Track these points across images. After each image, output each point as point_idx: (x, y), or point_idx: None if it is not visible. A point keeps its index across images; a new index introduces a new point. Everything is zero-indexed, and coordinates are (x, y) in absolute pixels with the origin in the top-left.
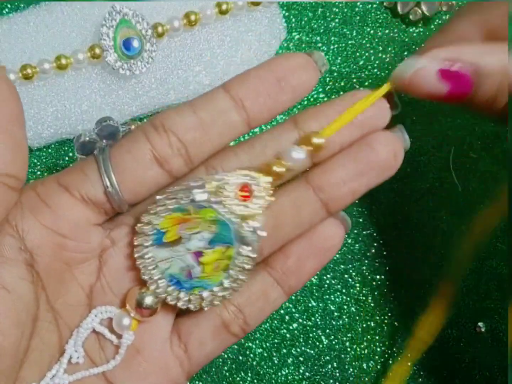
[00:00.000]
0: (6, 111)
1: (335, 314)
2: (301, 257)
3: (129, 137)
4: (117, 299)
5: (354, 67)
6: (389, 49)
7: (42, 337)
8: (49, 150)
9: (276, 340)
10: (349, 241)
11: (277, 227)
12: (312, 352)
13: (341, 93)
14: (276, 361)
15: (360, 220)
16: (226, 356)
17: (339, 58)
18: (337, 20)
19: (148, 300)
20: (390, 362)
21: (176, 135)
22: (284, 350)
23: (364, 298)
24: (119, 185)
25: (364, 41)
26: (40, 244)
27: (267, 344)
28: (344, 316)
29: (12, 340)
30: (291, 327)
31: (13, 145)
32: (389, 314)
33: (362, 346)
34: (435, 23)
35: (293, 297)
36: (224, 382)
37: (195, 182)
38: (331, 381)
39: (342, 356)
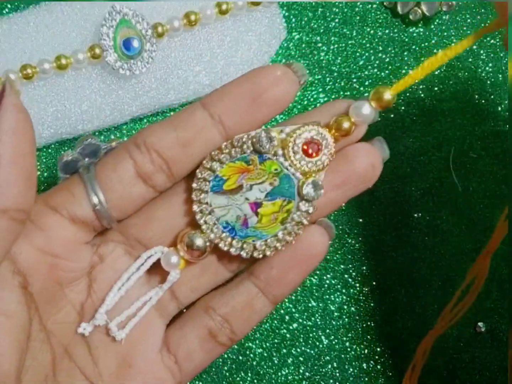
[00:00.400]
0: (20, 143)
1: (335, 314)
2: (285, 266)
3: (113, 155)
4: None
5: (354, 67)
6: (389, 49)
7: (36, 357)
8: (49, 150)
9: (276, 340)
10: (349, 241)
11: None
12: (312, 352)
13: (341, 93)
14: (276, 361)
15: (360, 220)
16: (226, 356)
17: (339, 58)
18: (337, 20)
19: (199, 241)
20: (390, 362)
21: (158, 152)
22: (284, 350)
23: (364, 298)
24: (107, 202)
25: (364, 41)
26: (33, 266)
27: (267, 344)
28: (344, 316)
29: (11, 362)
30: (291, 327)
31: (25, 178)
32: (389, 314)
33: (362, 346)
34: (435, 23)
35: (293, 297)
36: (224, 382)
37: (264, 133)
38: (331, 381)
39: (342, 356)
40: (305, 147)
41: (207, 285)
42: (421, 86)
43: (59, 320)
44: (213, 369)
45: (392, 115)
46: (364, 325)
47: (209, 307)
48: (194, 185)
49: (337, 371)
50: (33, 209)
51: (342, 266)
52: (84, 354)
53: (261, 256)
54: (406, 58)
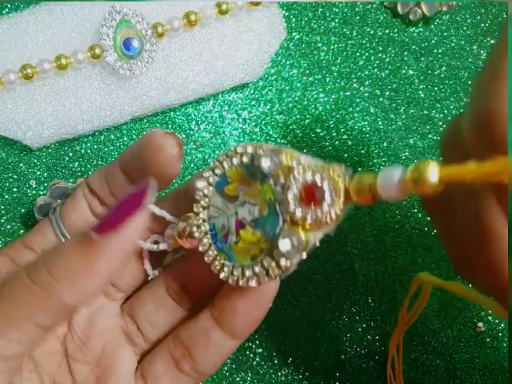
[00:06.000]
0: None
1: (336, 314)
2: (232, 296)
3: (72, 197)
4: (86, 345)
5: (354, 67)
6: (389, 49)
7: None
8: (49, 150)
9: (276, 340)
10: (349, 241)
11: (203, 276)
12: (312, 352)
13: (341, 93)
14: (276, 361)
15: (360, 220)
16: None
17: (339, 58)
18: (337, 20)
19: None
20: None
21: (100, 198)
22: (284, 350)
23: (364, 298)
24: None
25: (364, 41)
26: None
27: (267, 344)
28: (344, 316)
29: None
30: (291, 327)
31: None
32: (389, 314)
33: (362, 346)
34: (435, 23)
35: (293, 297)
36: (224, 382)
37: (270, 153)
38: (331, 381)
39: (342, 356)
40: (306, 189)
41: (166, 321)
42: (421, 86)
43: (45, 350)
44: None
45: (392, 115)
46: (364, 325)
47: (176, 334)
48: (205, 174)
49: (337, 371)
50: (14, 249)
51: (342, 266)
52: (59, 368)
53: (225, 279)
54: (406, 58)
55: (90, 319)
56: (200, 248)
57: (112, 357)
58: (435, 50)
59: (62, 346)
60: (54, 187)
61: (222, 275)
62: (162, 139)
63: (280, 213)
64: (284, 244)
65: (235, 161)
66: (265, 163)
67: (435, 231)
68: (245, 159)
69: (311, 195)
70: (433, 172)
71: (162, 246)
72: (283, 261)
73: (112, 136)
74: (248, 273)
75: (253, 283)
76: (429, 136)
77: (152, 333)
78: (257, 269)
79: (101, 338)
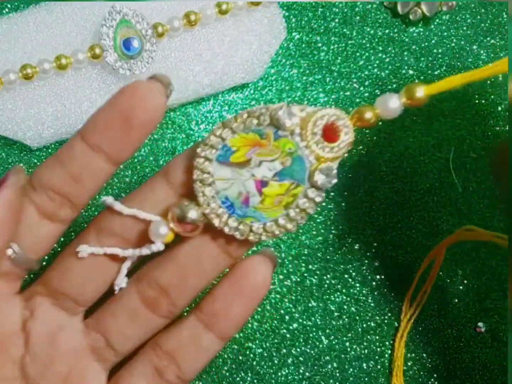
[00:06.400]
0: None
1: (335, 314)
2: (228, 298)
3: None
4: (49, 368)
5: (354, 67)
6: (389, 49)
7: None
8: (49, 150)
9: (276, 340)
10: (349, 241)
11: (183, 279)
12: (312, 352)
13: (341, 93)
14: (276, 361)
15: (360, 220)
16: (226, 356)
17: (339, 58)
18: (337, 20)
19: (193, 214)
20: (391, 362)
21: (54, 190)
22: (284, 350)
23: (364, 298)
24: (21, 249)
25: (364, 41)
26: None
27: (267, 344)
28: (344, 316)
29: None
30: (291, 327)
31: None
32: (389, 314)
33: (362, 346)
34: (435, 23)
35: (293, 297)
36: (224, 382)
37: (285, 108)
38: (331, 381)
39: (342, 356)
40: (324, 130)
41: (140, 333)
42: None
43: (3, 376)
44: (213, 369)
45: None
46: (364, 325)
47: (156, 344)
48: (198, 150)
49: (337, 371)
50: None
51: (342, 266)
52: None
53: (256, 240)
54: (406, 58)
55: (51, 339)
56: (218, 225)
57: (80, 377)
58: (435, 50)
59: (21, 371)
60: None
61: (251, 237)
62: (149, 86)
63: (306, 157)
64: (320, 176)
65: (237, 128)
66: (285, 119)
67: (435, 231)
68: (249, 123)
69: (329, 134)
70: (420, 91)
71: (144, 251)
72: (318, 198)
73: None
74: (282, 221)
75: (290, 227)
76: (429, 135)
77: (124, 347)
78: (292, 213)
79: (66, 359)
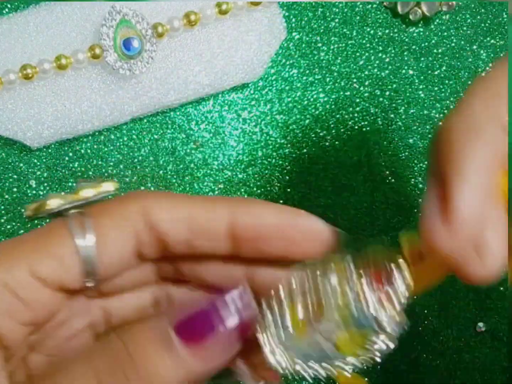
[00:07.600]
0: None
1: None
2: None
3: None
4: None
5: (354, 67)
6: (389, 49)
7: None
8: (49, 150)
9: None
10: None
11: None
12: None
13: (341, 93)
14: None
15: (360, 220)
16: None
17: (339, 58)
18: (337, 20)
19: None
20: (391, 361)
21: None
22: None
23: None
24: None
25: (364, 41)
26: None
27: None
28: None
29: None
30: None
31: None
32: None
33: None
34: (435, 23)
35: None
36: None
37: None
38: (331, 381)
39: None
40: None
41: None
42: (421, 86)
43: None
44: None
45: (392, 115)
46: None
47: None
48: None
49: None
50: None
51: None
52: None
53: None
54: (406, 58)
55: None
56: (301, 372)
57: None
58: (435, 50)
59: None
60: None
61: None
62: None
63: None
64: (389, 324)
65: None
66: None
67: None
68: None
69: (380, 280)
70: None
71: None
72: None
73: (112, 136)
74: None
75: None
76: (429, 136)
77: None
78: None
79: None
